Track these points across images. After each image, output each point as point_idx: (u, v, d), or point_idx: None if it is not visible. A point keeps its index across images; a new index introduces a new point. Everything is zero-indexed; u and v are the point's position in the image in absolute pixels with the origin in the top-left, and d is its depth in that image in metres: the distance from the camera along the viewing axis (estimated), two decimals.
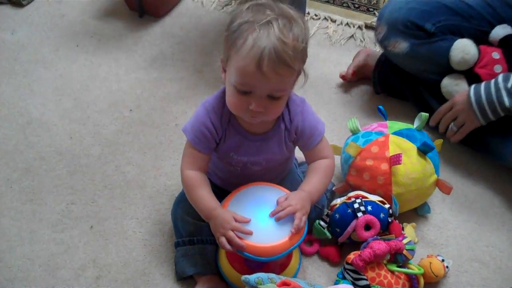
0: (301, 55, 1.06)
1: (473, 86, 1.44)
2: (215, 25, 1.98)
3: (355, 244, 1.29)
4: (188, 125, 1.19)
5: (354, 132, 1.42)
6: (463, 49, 1.47)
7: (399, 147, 1.33)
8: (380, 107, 1.46)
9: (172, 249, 1.32)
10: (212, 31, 1.96)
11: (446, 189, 1.35)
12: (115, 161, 1.53)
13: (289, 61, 1.01)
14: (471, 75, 1.48)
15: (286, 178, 1.33)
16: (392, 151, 1.32)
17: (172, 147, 1.56)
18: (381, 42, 1.60)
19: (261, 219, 1.14)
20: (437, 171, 1.36)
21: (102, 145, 1.58)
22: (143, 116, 1.66)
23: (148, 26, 1.96)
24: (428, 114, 1.40)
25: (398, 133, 1.37)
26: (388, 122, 1.42)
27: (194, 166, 1.19)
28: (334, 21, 1.97)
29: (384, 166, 1.31)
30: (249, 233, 1.10)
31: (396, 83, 1.69)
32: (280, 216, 1.12)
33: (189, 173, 1.18)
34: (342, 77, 1.77)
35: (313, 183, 1.20)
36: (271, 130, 1.19)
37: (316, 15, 1.99)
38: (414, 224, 1.36)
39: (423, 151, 1.32)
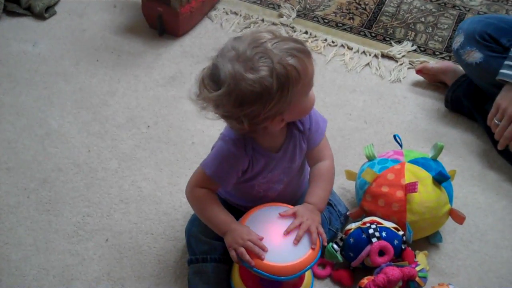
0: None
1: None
2: None
3: (368, 269, 1.30)
4: (207, 161, 1.20)
5: (370, 158, 1.44)
6: None
7: (415, 175, 1.35)
8: (396, 135, 1.48)
9: (185, 266, 1.33)
10: None
11: (459, 219, 1.36)
12: (131, 176, 1.55)
13: None
14: None
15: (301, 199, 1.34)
16: (407, 179, 1.34)
17: (188, 165, 1.58)
18: (457, 51, 1.67)
19: (275, 238, 1.16)
20: (450, 201, 1.38)
21: (119, 159, 1.60)
22: (160, 133, 1.68)
23: (167, 44, 1.99)
24: (443, 144, 1.42)
25: (414, 162, 1.39)
26: (404, 150, 1.44)
27: (203, 186, 1.21)
28: (350, 48, 2.00)
29: (400, 194, 1.33)
30: (264, 249, 1.12)
31: (466, 107, 1.74)
32: (299, 236, 1.14)
33: (199, 191, 1.20)
34: (418, 70, 1.87)
35: (318, 193, 1.24)
36: (289, 139, 1.21)
37: (333, 42, 2.02)
38: (426, 252, 1.37)
39: (438, 180, 1.34)
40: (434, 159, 1.42)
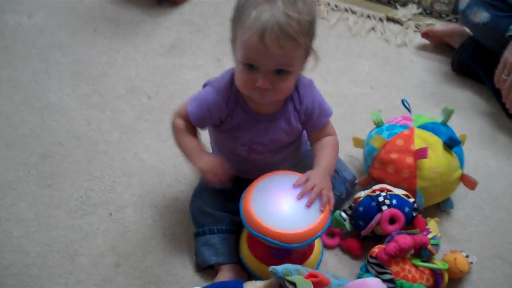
0: (307, 29, 1.05)
1: None
2: None
3: (378, 238, 1.28)
4: (192, 98, 1.21)
5: (378, 124, 1.40)
6: None
7: (425, 141, 1.31)
8: (404, 99, 1.44)
9: (191, 239, 1.30)
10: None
11: (471, 184, 1.33)
12: (133, 148, 1.52)
13: (293, 34, 1.01)
14: None
15: (300, 164, 1.32)
16: (417, 144, 1.30)
17: None
18: (463, 11, 1.64)
19: (286, 205, 1.13)
20: (462, 166, 1.34)
21: (120, 131, 1.56)
22: (162, 103, 1.64)
23: (166, 12, 1.94)
24: (453, 108, 1.38)
25: (423, 127, 1.35)
26: (413, 115, 1.40)
27: (184, 118, 1.23)
28: (354, 12, 1.95)
29: (409, 160, 1.29)
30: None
31: (473, 69, 1.70)
32: (311, 199, 1.11)
33: (180, 121, 1.23)
34: (424, 33, 1.83)
35: (327, 158, 1.22)
36: (280, 111, 1.19)
37: (336, 6, 1.97)
38: (437, 219, 1.34)
39: (449, 145, 1.30)
40: (444, 123, 1.38)
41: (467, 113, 1.61)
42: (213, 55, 1.80)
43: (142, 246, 1.31)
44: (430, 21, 1.91)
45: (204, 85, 1.23)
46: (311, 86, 1.21)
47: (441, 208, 1.39)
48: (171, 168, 1.47)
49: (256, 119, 1.18)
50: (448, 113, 1.37)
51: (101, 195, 1.41)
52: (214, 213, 1.25)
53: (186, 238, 1.32)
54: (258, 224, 1.11)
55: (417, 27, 1.89)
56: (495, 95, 1.62)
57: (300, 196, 1.13)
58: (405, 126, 1.36)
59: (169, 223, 1.36)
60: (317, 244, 1.26)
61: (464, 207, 1.41)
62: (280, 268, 0.99)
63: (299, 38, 1.02)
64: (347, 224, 1.29)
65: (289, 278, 0.98)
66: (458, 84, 1.71)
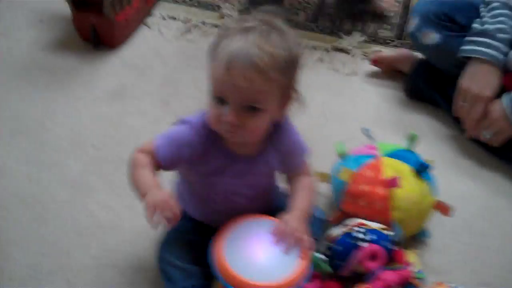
0: (282, 65, 0.98)
1: (505, 94, 1.45)
2: (177, 53, 1.88)
3: (358, 276, 1.21)
4: (161, 134, 1.11)
5: (342, 156, 1.36)
6: None
7: (394, 169, 1.27)
8: (365, 128, 1.41)
9: None
10: (174, 59, 1.86)
11: (445, 210, 1.30)
12: (86, 205, 1.40)
13: (262, 66, 0.95)
14: None
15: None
16: (387, 173, 1.26)
17: None
18: (413, 34, 1.62)
19: (263, 253, 1.06)
20: (434, 192, 1.31)
21: (69, 188, 1.44)
22: (111, 152, 1.53)
23: (104, 57, 1.84)
24: (417, 135, 1.35)
25: (390, 155, 1.31)
26: (377, 144, 1.36)
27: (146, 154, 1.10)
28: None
29: (381, 191, 1.25)
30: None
31: (428, 93, 1.69)
32: (290, 246, 1.05)
33: (141, 155, 1.10)
34: (373, 60, 1.80)
35: (304, 201, 1.15)
36: (258, 151, 1.11)
37: None
38: (416, 250, 1.30)
39: (419, 171, 1.27)
40: (409, 149, 1.35)
41: (427, 138, 1.58)
42: (160, 98, 1.71)
43: None
44: (376, 48, 1.90)
45: (176, 123, 1.13)
46: (288, 123, 1.15)
47: (418, 238, 1.35)
48: (130, 224, 1.36)
49: (233, 160, 1.10)
50: (412, 139, 1.35)
51: (56, 261, 1.28)
52: (186, 268, 1.15)
53: None
54: (233, 276, 1.03)
55: (364, 55, 1.88)
56: (453, 117, 1.62)
57: (277, 242, 1.06)
58: (371, 156, 1.32)
59: (134, 283, 1.25)
60: None
61: (441, 235, 1.37)
62: None
63: (269, 72, 0.96)
64: (327, 266, 1.22)
65: None
66: (414, 109, 1.70)
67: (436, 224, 1.38)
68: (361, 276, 1.20)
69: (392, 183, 1.24)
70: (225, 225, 1.11)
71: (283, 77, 1.00)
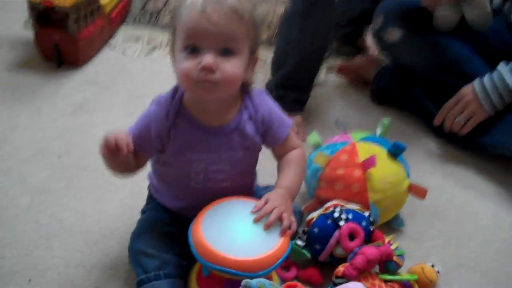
0: (254, 16, 1.01)
1: (477, 78, 1.47)
2: (142, 69, 1.87)
3: (336, 262, 1.16)
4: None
5: (316, 146, 1.34)
6: None
7: (369, 152, 1.25)
8: (337, 119, 1.40)
9: None
10: (140, 76, 1.84)
11: (420, 192, 1.28)
12: (49, 209, 1.33)
13: (238, 7, 0.97)
14: None
15: None
16: (362, 157, 1.24)
17: (114, 189, 1.39)
18: (377, 32, 1.64)
19: (243, 232, 1.01)
20: (408, 175, 1.30)
21: (31, 193, 1.37)
22: (75, 160, 1.48)
23: (68, 74, 1.81)
24: (389, 119, 1.35)
25: (363, 140, 1.30)
26: (350, 133, 1.35)
27: None
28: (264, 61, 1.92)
29: (357, 173, 1.23)
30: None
31: (393, 96, 1.70)
32: (270, 222, 1.00)
33: None
34: (339, 69, 1.82)
35: (289, 177, 1.11)
36: (232, 121, 1.07)
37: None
38: (391, 236, 1.26)
39: (394, 153, 1.26)
40: (382, 136, 1.34)
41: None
42: (126, 110, 1.67)
43: None
44: (338, 60, 1.92)
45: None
46: (264, 95, 1.12)
47: (392, 226, 1.32)
48: (95, 224, 1.30)
49: (204, 132, 1.06)
50: (385, 126, 1.34)
51: (16, 262, 1.20)
52: (160, 256, 1.09)
53: None
54: (212, 254, 0.97)
55: (329, 68, 1.90)
56: (420, 117, 1.64)
57: (258, 219, 1.01)
58: (345, 142, 1.30)
59: (102, 280, 1.17)
60: (275, 278, 1.13)
61: (414, 223, 1.35)
62: (254, 282, 0.86)
63: (244, 15, 0.97)
64: (307, 252, 1.17)
65: None
66: (381, 113, 1.70)
67: (408, 213, 1.37)
68: (339, 261, 1.15)
69: (369, 162, 1.22)
70: (205, 207, 1.06)
71: (253, 29, 1.00)
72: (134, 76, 1.84)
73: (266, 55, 1.78)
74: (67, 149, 1.52)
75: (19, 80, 1.78)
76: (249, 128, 1.09)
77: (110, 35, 2.00)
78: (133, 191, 1.36)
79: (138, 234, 1.15)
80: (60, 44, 1.79)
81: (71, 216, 1.32)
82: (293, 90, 1.61)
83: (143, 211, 1.23)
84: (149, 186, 1.24)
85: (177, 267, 1.09)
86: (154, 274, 1.08)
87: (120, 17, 2.07)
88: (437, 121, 1.53)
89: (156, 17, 2.17)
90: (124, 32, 2.05)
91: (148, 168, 1.18)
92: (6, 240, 1.25)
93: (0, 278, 1.17)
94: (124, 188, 1.39)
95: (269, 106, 1.11)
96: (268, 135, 1.11)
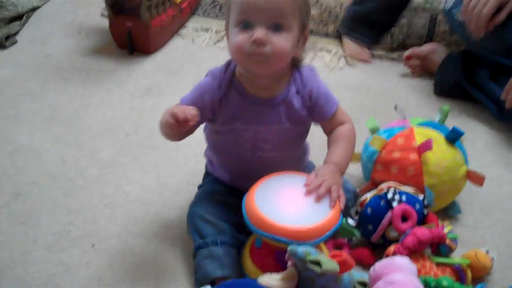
0: None
1: None
2: (210, 57, 1.93)
3: (388, 244, 1.16)
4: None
5: (374, 131, 1.34)
6: None
7: (426, 136, 1.25)
8: (397, 106, 1.40)
9: (187, 262, 1.18)
10: (207, 63, 1.88)
11: (478, 179, 1.26)
12: (115, 181, 1.41)
13: None
14: None
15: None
16: (419, 141, 1.24)
17: (176, 166, 1.45)
18: (450, 11, 1.63)
19: (294, 203, 1.04)
20: (466, 162, 1.28)
21: (99, 166, 1.45)
22: (142, 139, 1.55)
23: (139, 61, 1.90)
24: (449, 106, 1.34)
25: (422, 125, 1.30)
26: (409, 119, 1.35)
27: None
28: (329, 51, 1.95)
29: (413, 156, 1.23)
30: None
31: (456, 76, 1.69)
32: (321, 193, 1.02)
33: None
34: (407, 57, 1.82)
35: (339, 152, 1.13)
36: (280, 94, 1.11)
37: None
38: (447, 222, 1.25)
39: (452, 138, 1.25)
40: (441, 123, 1.33)
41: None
42: None
43: (132, 274, 1.17)
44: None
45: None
46: (314, 72, 1.15)
47: (449, 213, 1.31)
48: (157, 197, 1.36)
49: (253, 103, 1.11)
50: (444, 113, 1.33)
51: (81, 228, 1.28)
52: (217, 223, 1.14)
53: (180, 263, 1.19)
54: (264, 222, 1.01)
55: (394, 58, 1.90)
56: (487, 104, 1.61)
57: (308, 192, 1.04)
58: (402, 127, 1.30)
59: (160, 249, 1.23)
60: (325, 251, 1.15)
61: (472, 212, 1.34)
62: (300, 248, 0.88)
63: None
64: (356, 231, 1.19)
65: (312, 258, 0.87)
66: (442, 103, 1.67)
67: (466, 202, 1.35)
68: (391, 243, 1.16)
69: (425, 146, 1.21)
70: (257, 181, 1.10)
71: (304, 6, 1.05)
72: (201, 63, 1.90)
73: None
74: (135, 128, 1.59)
75: (93, 64, 1.88)
76: (296, 101, 1.12)
77: (181, 25, 2.08)
78: (194, 168, 1.42)
79: (196, 202, 1.21)
80: (132, 31, 1.87)
81: (135, 189, 1.39)
82: (368, 25, 1.86)
83: (200, 187, 1.28)
84: (206, 164, 1.30)
85: (232, 237, 1.14)
86: (211, 239, 1.12)
87: (191, 8, 2.13)
88: (504, 96, 1.49)
89: None
90: (194, 23, 2.12)
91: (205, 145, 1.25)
92: (74, 208, 1.33)
93: (66, 242, 1.25)
94: (185, 165, 1.46)
95: (317, 82, 1.14)
96: (315, 111, 1.14)
